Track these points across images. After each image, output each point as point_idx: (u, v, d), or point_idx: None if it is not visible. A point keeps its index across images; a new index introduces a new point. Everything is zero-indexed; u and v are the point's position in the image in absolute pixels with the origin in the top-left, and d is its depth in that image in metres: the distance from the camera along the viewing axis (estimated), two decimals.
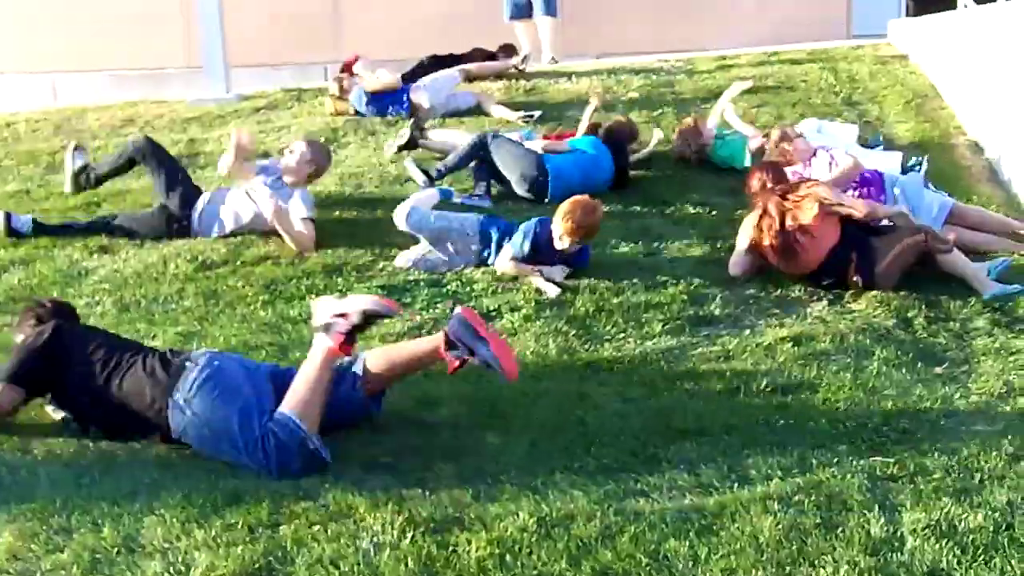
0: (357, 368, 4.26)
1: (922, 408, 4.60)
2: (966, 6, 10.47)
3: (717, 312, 5.67)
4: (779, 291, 5.99)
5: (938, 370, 5.10)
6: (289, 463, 3.92)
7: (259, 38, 11.76)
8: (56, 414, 4.45)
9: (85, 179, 7.48)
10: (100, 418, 4.28)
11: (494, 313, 5.59)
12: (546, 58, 10.95)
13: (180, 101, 10.27)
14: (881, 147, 8.15)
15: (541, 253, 6.00)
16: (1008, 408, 4.63)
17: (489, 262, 6.16)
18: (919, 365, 5.12)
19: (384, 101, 9.19)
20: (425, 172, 7.24)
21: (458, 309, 4.25)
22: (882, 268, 5.97)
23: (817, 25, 12.27)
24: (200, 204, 6.78)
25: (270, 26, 12.06)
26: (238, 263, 6.29)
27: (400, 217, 6.18)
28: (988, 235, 6.88)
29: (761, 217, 6.14)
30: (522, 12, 11.04)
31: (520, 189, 7.17)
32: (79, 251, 6.60)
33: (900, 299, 5.84)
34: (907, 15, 13.25)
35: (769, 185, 6.38)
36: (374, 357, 4.31)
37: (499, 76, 10.08)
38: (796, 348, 5.24)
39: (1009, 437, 4.23)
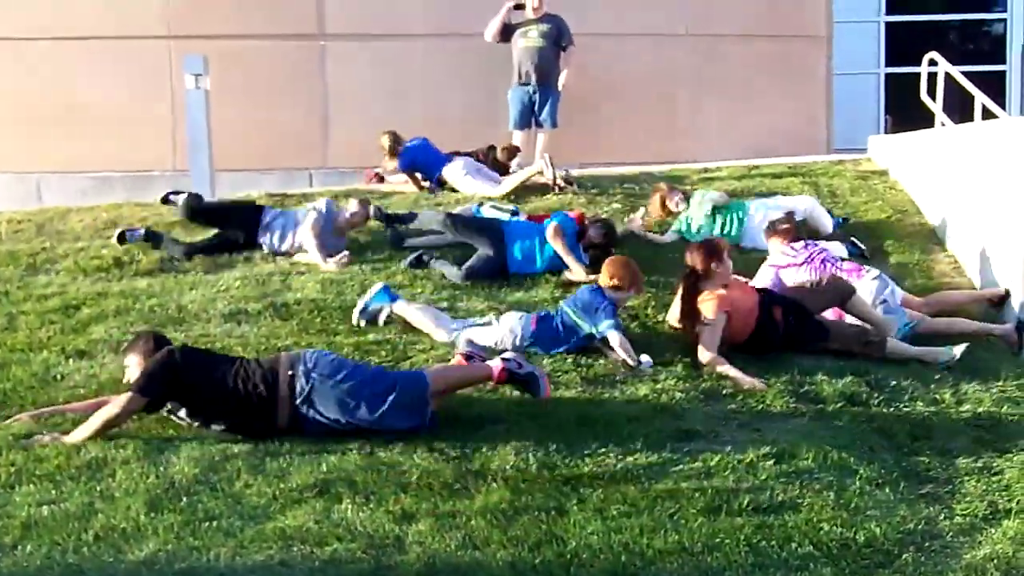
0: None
1: (906, 529, 4.53)
2: (943, 124, 10.66)
3: (698, 427, 5.61)
4: (760, 406, 5.95)
5: (922, 490, 5.04)
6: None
7: (246, 142, 11.83)
8: (182, 420, 5.44)
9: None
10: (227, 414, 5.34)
11: (475, 423, 5.53)
12: (536, 167, 11.12)
13: None
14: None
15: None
16: (993, 530, 4.57)
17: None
18: (902, 484, 5.05)
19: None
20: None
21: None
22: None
23: (798, 139, 12.47)
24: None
25: (257, 131, 12.14)
26: None
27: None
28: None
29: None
30: (525, 122, 11.38)
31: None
32: (55, 355, 6.54)
33: (883, 416, 5.82)
34: (886, 131, 13.48)
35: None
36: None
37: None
38: (778, 465, 5.16)
39: (995, 561, 4.17)
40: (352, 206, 8.75)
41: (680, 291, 6.81)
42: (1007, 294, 7.66)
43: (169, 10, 12.41)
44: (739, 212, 8.92)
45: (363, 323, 7.01)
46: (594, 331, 6.59)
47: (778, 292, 7.17)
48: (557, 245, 7.86)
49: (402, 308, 7.00)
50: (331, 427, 5.31)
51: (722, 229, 8.78)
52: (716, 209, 8.92)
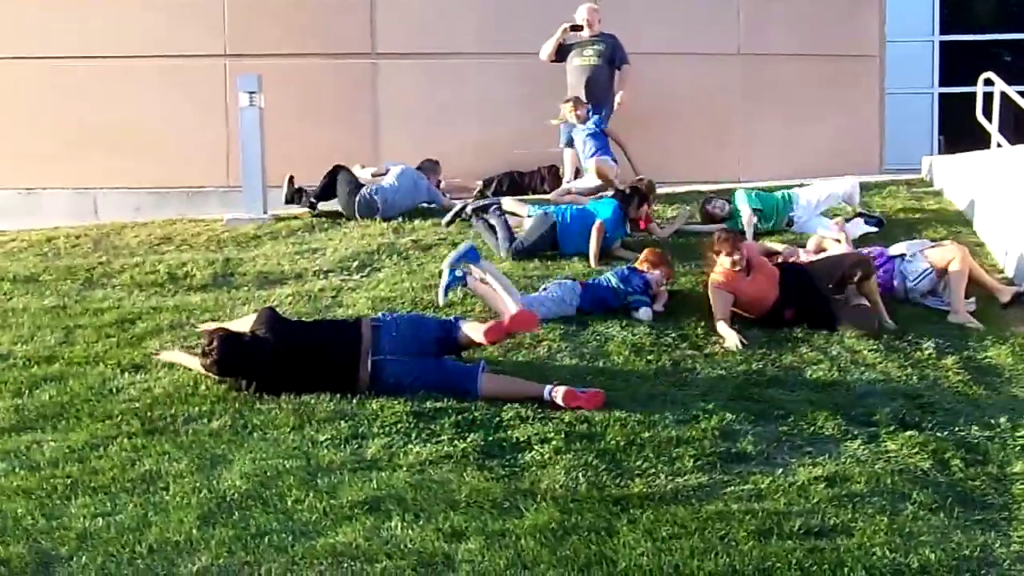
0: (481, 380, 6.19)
1: (961, 556, 4.47)
2: (999, 145, 10.53)
3: (749, 449, 5.57)
4: (812, 428, 5.90)
5: (977, 515, 4.96)
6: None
7: (298, 159, 11.90)
8: None
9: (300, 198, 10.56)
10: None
11: (523, 444, 5.53)
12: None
13: (217, 219, 10.44)
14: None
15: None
16: None
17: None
18: (957, 510, 4.97)
19: None
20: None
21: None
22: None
23: (850, 159, 12.36)
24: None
25: (310, 148, 12.21)
26: None
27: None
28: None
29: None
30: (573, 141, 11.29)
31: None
32: (111, 368, 6.63)
33: (937, 440, 5.74)
34: (940, 152, 13.35)
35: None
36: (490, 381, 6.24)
37: None
38: (830, 489, 5.11)
39: None
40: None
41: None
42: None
43: (225, 30, 12.57)
44: (785, 203, 9.82)
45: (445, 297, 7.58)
46: (627, 299, 7.70)
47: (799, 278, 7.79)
48: (593, 241, 8.73)
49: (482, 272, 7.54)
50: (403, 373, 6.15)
51: (768, 222, 9.66)
52: (761, 202, 9.73)
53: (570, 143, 11.34)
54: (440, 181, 10.94)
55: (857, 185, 9.98)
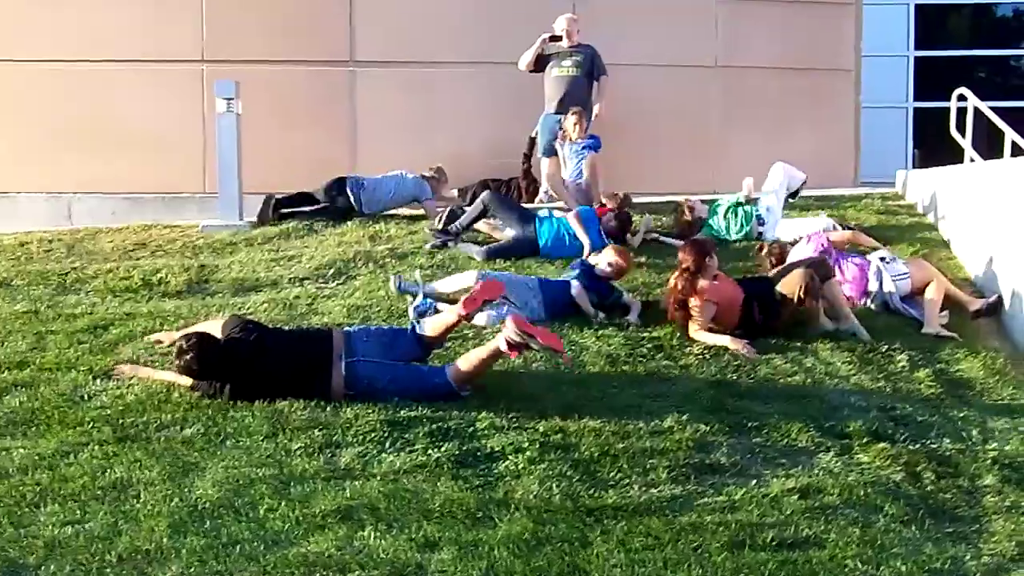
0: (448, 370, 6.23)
1: (932, 568, 4.49)
2: (972, 160, 10.62)
3: (723, 460, 5.58)
4: (785, 440, 5.92)
5: (948, 528, 4.99)
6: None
7: (275, 166, 11.88)
8: None
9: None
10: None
11: (497, 454, 5.52)
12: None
13: (193, 225, 10.39)
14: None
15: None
16: (1021, 571, 4.52)
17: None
18: (928, 522, 5.01)
19: None
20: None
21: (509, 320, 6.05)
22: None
23: (825, 172, 12.43)
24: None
25: (287, 155, 12.20)
26: None
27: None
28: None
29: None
30: (553, 151, 11.25)
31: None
32: (83, 374, 6.57)
33: (909, 453, 5.77)
34: (915, 165, 13.45)
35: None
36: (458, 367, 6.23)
37: None
38: (803, 501, 5.13)
39: None
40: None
41: (674, 284, 7.48)
42: (999, 301, 8.13)
43: (203, 35, 12.53)
44: (752, 212, 10.01)
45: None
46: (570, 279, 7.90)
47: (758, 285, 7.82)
48: (577, 227, 8.98)
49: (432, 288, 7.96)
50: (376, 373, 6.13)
51: (740, 228, 9.91)
52: (732, 211, 9.99)
53: (548, 153, 11.35)
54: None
55: (785, 164, 10.47)
